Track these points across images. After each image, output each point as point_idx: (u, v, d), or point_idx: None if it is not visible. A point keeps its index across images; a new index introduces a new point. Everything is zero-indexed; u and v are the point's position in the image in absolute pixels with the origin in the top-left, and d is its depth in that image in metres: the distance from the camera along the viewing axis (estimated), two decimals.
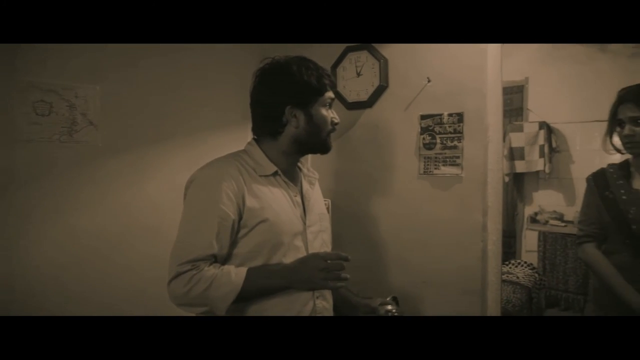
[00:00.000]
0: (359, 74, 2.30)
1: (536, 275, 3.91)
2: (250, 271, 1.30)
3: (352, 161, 2.36)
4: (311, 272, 1.31)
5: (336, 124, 1.46)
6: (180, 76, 2.20)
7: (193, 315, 1.34)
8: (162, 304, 1.38)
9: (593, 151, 4.12)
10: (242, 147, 1.49)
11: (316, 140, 1.43)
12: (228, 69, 2.34)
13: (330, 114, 1.44)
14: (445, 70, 2.12)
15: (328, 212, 2.32)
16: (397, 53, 2.23)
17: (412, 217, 2.19)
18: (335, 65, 2.36)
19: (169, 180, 2.13)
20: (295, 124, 1.40)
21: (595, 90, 3.89)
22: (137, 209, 2.08)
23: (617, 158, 1.95)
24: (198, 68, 2.26)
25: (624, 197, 1.80)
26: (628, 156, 1.88)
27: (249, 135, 1.52)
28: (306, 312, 1.39)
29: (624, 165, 1.89)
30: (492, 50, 2.08)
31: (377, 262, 2.29)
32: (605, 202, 1.86)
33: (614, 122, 1.82)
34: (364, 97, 2.29)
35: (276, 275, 1.33)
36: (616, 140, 1.85)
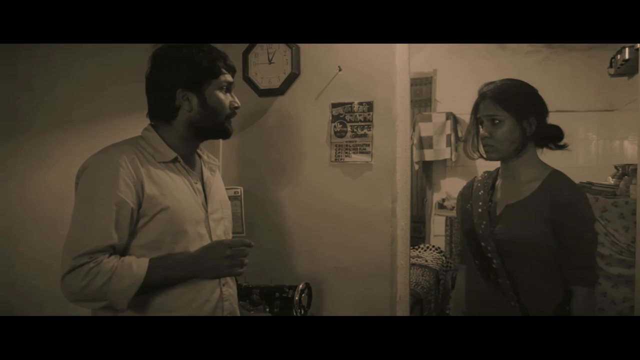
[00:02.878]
0: (270, 61, 2.28)
1: (443, 258, 4.11)
2: (152, 262, 1.24)
3: (264, 149, 2.35)
4: (216, 260, 1.28)
5: (236, 108, 1.42)
6: (82, 60, 2.06)
7: (90, 312, 1.28)
8: (59, 301, 1.30)
9: None
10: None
11: (213, 125, 1.39)
12: (131, 57, 2.23)
13: (229, 98, 1.40)
14: (355, 59, 2.16)
15: (240, 199, 2.29)
16: None
17: (323, 204, 2.22)
18: (246, 52, 2.32)
19: (68, 169, 1.99)
20: (188, 107, 1.35)
21: None
22: (33, 200, 1.93)
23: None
24: (100, 54, 2.13)
25: (479, 210, 1.57)
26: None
27: None
28: (213, 300, 1.37)
29: (494, 174, 1.66)
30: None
31: (290, 249, 2.30)
32: (463, 215, 1.65)
33: (476, 122, 1.59)
34: (275, 84, 2.28)
35: (180, 265, 1.29)
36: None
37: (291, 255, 2.29)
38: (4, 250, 1.86)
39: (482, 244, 1.53)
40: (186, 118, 1.36)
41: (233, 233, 2.27)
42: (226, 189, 2.32)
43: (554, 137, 1.56)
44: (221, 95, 1.38)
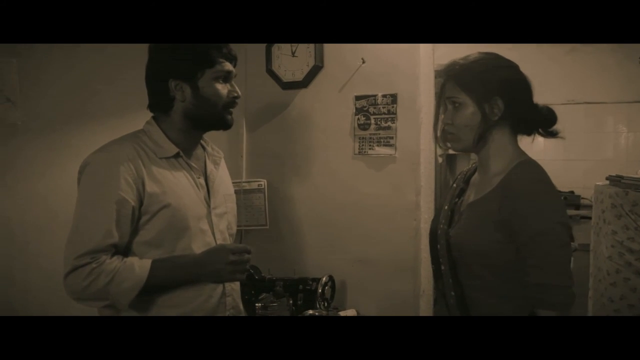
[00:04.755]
0: (294, 54, 2.28)
1: None
2: (154, 264, 1.24)
3: (287, 141, 2.35)
4: (219, 265, 1.29)
5: (235, 97, 1.38)
6: (109, 53, 2.08)
7: (95, 309, 1.30)
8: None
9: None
10: None
11: (209, 115, 1.36)
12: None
13: (228, 87, 1.37)
14: (379, 51, 2.14)
15: (263, 192, 2.31)
16: None
17: (347, 197, 2.22)
18: (270, 44, 2.33)
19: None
20: (181, 97, 1.33)
21: None
22: (61, 195, 1.94)
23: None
24: (127, 46, 2.14)
25: (445, 207, 1.36)
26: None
27: None
28: (216, 295, 1.37)
29: (474, 167, 1.43)
30: None
31: (313, 241, 2.30)
32: (435, 214, 1.42)
33: (445, 107, 1.33)
34: (299, 77, 2.28)
35: (182, 268, 1.29)
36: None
37: (314, 248, 2.30)
38: (30, 248, 1.88)
39: (438, 246, 1.32)
40: (181, 109, 1.34)
41: (257, 225, 2.31)
42: (250, 181, 2.35)
43: (542, 122, 1.29)
44: (218, 85, 1.34)
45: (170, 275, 1.28)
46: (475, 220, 1.24)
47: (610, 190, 2.71)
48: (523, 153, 1.29)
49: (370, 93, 2.16)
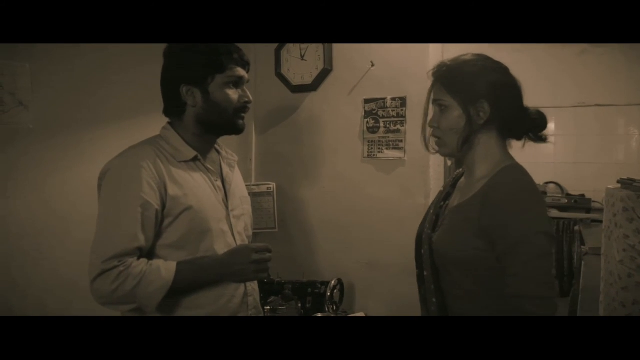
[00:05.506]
0: (303, 57, 2.29)
1: None
2: (180, 266, 1.26)
3: (296, 145, 2.36)
4: (243, 265, 1.31)
5: (247, 102, 1.39)
6: (118, 56, 2.10)
7: (119, 313, 1.30)
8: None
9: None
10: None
11: (220, 120, 1.37)
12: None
13: (239, 93, 1.37)
14: (388, 54, 2.14)
15: (272, 195, 2.31)
16: None
17: (356, 200, 2.22)
18: (279, 48, 2.34)
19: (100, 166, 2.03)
20: (192, 102, 1.34)
21: (532, 76, 4.03)
22: (74, 197, 1.96)
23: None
24: (137, 49, 2.16)
25: (431, 211, 1.32)
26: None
27: None
28: (239, 295, 1.38)
29: (462, 171, 1.37)
30: None
31: (322, 244, 2.30)
32: (423, 218, 1.36)
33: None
34: (308, 80, 2.28)
35: (206, 269, 1.31)
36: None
37: (323, 251, 2.30)
38: (45, 250, 1.89)
39: (422, 250, 1.29)
40: (193, 114, 1.36)
41: (266, 228, 2.31)
42: (259, 184, 2.35)
43: (531, 127, 1.25)
44: (228, 90, 1.35)
45: (195, 276, 1.29)
46: (457, 225, 1.21)
47: (622, 193, 2.68)
48: (510, 158, 1.25)
49: (379, 96, 2.16)
